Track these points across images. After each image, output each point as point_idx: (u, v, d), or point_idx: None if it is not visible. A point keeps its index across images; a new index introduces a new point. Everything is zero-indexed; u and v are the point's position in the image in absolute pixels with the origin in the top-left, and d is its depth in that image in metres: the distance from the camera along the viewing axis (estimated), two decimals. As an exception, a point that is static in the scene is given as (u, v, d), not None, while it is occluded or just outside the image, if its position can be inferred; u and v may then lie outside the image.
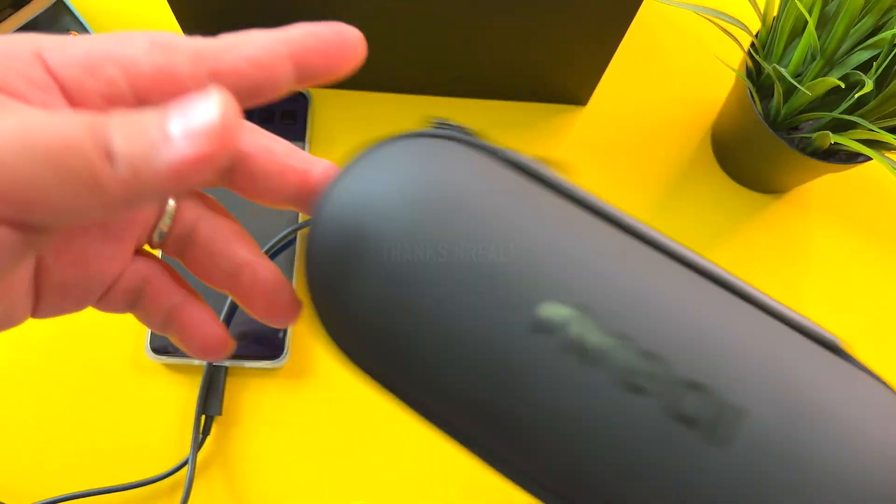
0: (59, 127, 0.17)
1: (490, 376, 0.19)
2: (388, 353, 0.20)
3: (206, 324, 0.26)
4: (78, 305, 0.23)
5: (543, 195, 0.20)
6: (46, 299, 0.22)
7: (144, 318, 0.26)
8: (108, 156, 0.17)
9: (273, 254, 0.44)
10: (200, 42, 0.20)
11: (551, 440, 0.19)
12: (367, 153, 0.21)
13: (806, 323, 0.21)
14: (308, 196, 0.24)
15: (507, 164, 0.21)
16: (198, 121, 0.17)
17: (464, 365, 0.19)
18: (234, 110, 0.18)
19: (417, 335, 0.19)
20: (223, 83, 0.20)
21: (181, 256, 0.25)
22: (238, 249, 0.26)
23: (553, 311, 0.18)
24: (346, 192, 0.20)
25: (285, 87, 0.21)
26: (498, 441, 0.20)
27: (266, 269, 0.25)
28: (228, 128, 0.18)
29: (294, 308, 0.26)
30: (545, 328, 0.18)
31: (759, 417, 0.18)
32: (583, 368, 0.18)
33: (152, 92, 0.20)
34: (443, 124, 0.22)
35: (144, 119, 0.17)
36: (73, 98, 0.19)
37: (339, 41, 0.21)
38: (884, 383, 0.21)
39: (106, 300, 0.24)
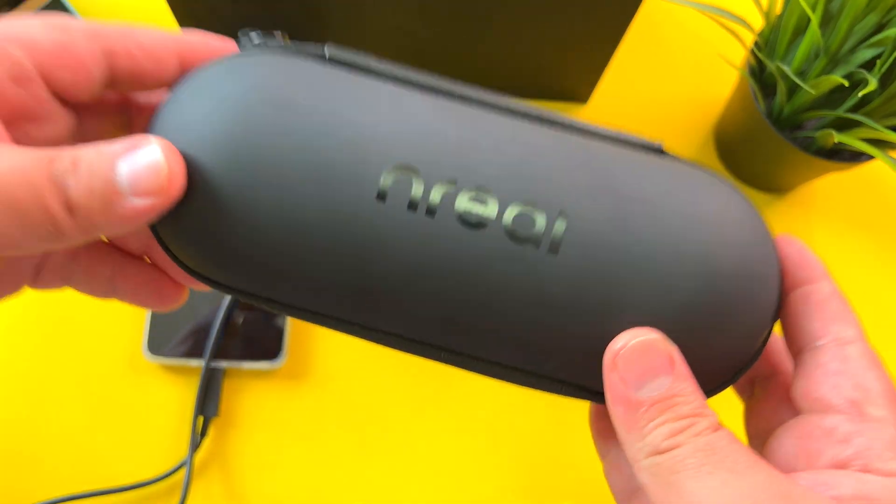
0: (20, 176, 0.18)
1: (354, 251, 0.20)
2: (267, 272, 0.21)
3: (151, 282, 0.27)
4: (13, 290, 0.25)
5: (358, 80, 0.21)
6: None
7: (86, 290, 0.27)
8: (68, 207, 0.18)
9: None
10: (95, 23, 0.21)
11: (424, 294, 0.20)
12: (182, 87, 0.22)
13: (626, 136, 0.22)
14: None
15: (319, 59, 0.22)
16: (146, 176, 0.19)
17: (329, 252, 0.20)
18: (176, 159, 0.20)
19: (277, 246, 0.20)
20: (115, 63, 0.22)
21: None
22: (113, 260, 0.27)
23: (387, 177, 0.20)
24: (170, 132, 0.21)
25: (170, 80, 0.23)
26: (383, 315, 0.21)
27: (138, 272, 0.27)
28: (174, 181, 0.19)
29: (178, 292, 0.27)
30: (385, 194, 0.20)
31: (580, 224, 0.20)
32: (427, 219, 0.20)
33: (54, 68, 0.21)
34: (249, 35, 0.23)
35: (98, 167, 0.19)
36: None
37: (224, 51, 0.23)
38: (710, 172, 0.22)
39: (40, 281, 0.26)
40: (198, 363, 0.41)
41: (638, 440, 0.19)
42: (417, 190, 0.20)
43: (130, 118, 0.26)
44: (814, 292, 0.23)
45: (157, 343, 0.41)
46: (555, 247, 0.20)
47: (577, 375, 0.22)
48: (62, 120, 0.23)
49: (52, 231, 0.18)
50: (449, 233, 0.20)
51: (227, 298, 0.41)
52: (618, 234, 0.20)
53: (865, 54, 0.38)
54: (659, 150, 0.22)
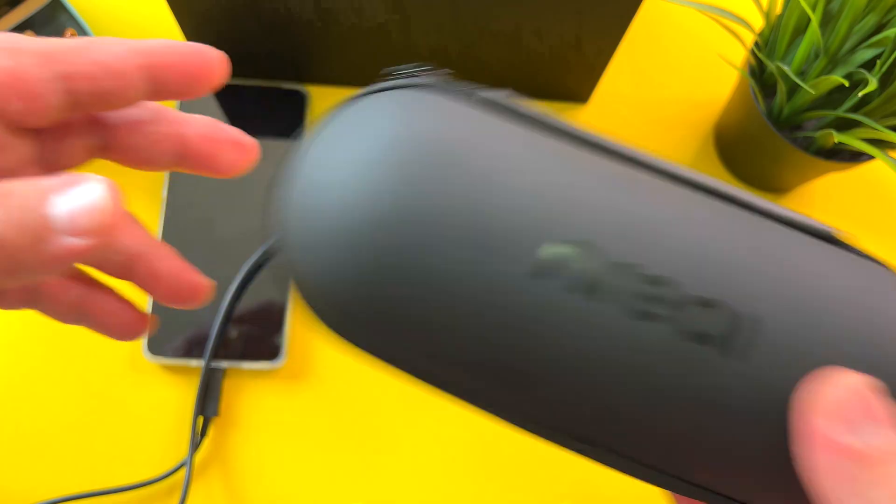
0: None
1: (500, 332, 0.18)
2: (406, 336, 0.19)
3: (117, 312, 0.26)
4: None
5: (525, 135, 0.19)
6: None
7: (51, 314, 0.25)
8: None
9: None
10: (50, 43, 0.20)
11: (571, 385, 0.18)
12: (332, 118, 0.19)
13: (799, 218, 0.20)
14: (190, 155, 0.24)
15: (483, 105, 0.19)
16: (82, 215, 0.17)
17: (474, 327, 0.18)
18: (116, 196, 0.18)
19: (428, 312, 0.18)
20: (73, 86, 0.20)
21: None
22: (127, 239, 0.25)
23: (550, 252, 0.17)
24: (319, 170, 0.18)
25: (135, 96, 0.21)
26: (521, 399, 0.19)
27: (162, 258, 0.25)
28: (111, 220, 0.18)
29: (200, 289, 0.26)
30: (545, 271, 0.17)
31: (774, 324, 0.17)
32: (589, 305, 0.17)
33: (3, 97, 0.19)
34: (408, 72, 0.20)
35: (31, 201, 0.17)
36: None
37: (198, 60, 0.21)
38: (882, 264, 0.20)
39: (2, 301, 0.24)
40: (198, 363, 0.41)
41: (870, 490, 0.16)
42: (582, 269, 0.17)
43: (105, 139, 0.24)
44: None
45: (157, 343, 0.41)
46: (740, 351, 0.17)
47: (730, 487, 0.19)
48: (19, 149, 0.21)
49: None
50: (615, 323, 0.17)
51: (227, 298, 0.41)
52: (809, 341, 0.18)
53: (865, 54, 0.38)
54: (830, 238, 0.20)
